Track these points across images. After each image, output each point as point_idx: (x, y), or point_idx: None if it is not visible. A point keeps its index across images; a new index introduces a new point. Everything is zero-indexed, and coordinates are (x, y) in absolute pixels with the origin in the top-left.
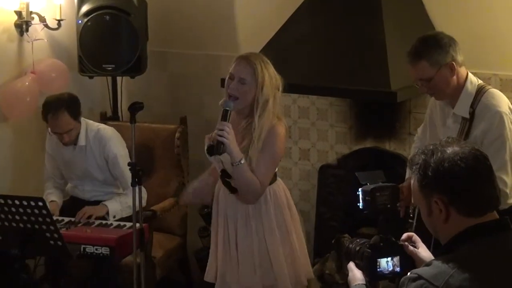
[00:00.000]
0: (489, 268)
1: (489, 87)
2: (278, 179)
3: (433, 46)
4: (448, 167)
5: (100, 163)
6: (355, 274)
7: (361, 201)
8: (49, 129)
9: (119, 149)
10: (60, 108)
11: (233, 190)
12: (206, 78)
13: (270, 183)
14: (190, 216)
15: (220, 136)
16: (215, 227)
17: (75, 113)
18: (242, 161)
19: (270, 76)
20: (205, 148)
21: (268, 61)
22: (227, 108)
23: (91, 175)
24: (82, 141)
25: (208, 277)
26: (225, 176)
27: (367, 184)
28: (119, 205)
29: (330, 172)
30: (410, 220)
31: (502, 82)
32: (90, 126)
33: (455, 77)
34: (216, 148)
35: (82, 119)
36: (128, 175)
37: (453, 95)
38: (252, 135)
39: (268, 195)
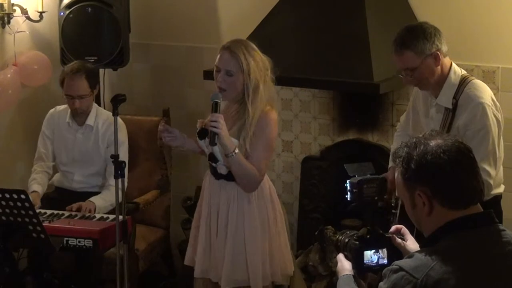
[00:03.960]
0: (471, 261)
1: (473, 77)
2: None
3: (418, 36)
4: (431, 159)
5: (102, 149)
6: (344, 264)
7: (348, 193)
8: (52, 109)
9: (124, 138)
10: (79, 71)
11: (218, 176)
12: (189, 70)
13: None
14: (173, 208)
15: (214, 127)
16: (198, 214)
17: (92, 82)
18: (236, 151)
19: (256, 61)
20: (197, 131)
21: (253, 46)
22: (216, 100)
23: (87, 160)
24: (91, 121)
25: (187, 260)
26: (212, 160)
27: (355, 176)
28: (104, 202)
29: (313, 164)
30: (394, 211)
31: (484, 73)
32: (100, 110)
33: (439, 67)
34: (211, 139)
35: (94, 104)
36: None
37: (437, 85)
38: (243, 120)
39: None
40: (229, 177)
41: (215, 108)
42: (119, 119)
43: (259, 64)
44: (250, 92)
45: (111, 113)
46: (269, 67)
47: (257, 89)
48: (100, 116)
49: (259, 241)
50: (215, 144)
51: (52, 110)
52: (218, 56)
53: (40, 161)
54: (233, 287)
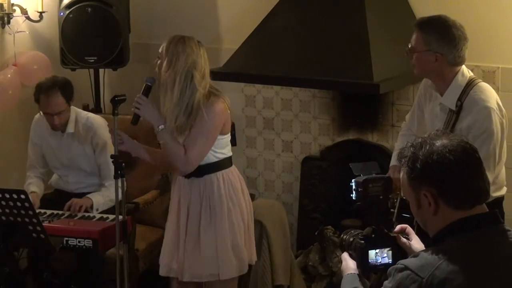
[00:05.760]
0: (476, 261)
1: (479, 80)
2: (233, 166)
3: (436, 30)
4: (436, 159)
5: (88, 152)
6: (348, 263)
7: (353, 192)
8: (38, 114)
9: (108, 138)
10: (53, 88)
11: (188, 175)
12: None
13: (223, 168)
14: None
15: (136, 108)
16: (169, 216)
17: (68, 96)
18: (161, 127)
19: (178, 53)
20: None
21: (191, 42)
22: (147, 83)
23: (77, 164)
24: (71, 128)
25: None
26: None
27: (360, 175)
28: (102, 199)
29: (313, 164)
30: (392, 210)
31: (484, 73)
32: (79, 114)
33: (440, 69)
34: (132, 119)
35: (72, 107)
36: (112, 165)
37: (441, 83)
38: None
39: (222, 182)
40: (199, 172)
41: (144, 90)
42: (100, 118)
43: (183, 55)
44: (161, 74)
45: (90, 114)
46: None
47: (168, 77)
48: (79, 120)
49: (229, 233)
50: (136, 123)
51: (37, 116)
52: None
53: (32, 168)
54: (206, 281)
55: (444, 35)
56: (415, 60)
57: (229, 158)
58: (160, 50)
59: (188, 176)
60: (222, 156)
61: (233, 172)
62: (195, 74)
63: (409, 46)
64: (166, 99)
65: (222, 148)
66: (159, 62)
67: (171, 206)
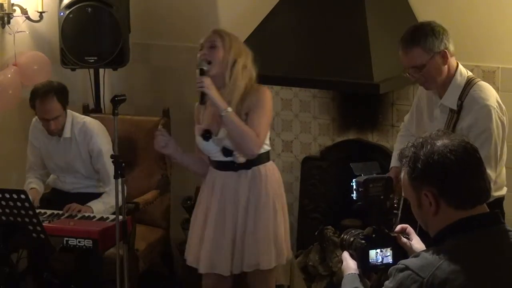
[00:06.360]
0: (477, 261)
1: (478, 79)
2: (270, 161)
3: (427, 33)
4: (437, 159)
5: (84, 156)
6: (349, 263)
7: (354, 192)
8: (36, 116)
9: (104, 144)
10: (49, 93)
11: (236, 168)
12: (189, 70)
13: (268, 160)
14: (173, 208)
15: (201, 87)
16: (203, 213)
17: (63, 100)
18: (229, 109)
19: (238, 42)
20: (200, 135)
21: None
22: (202, 67)
23: (73, 168)
24: (67, 133)
25: (190, 260)
26: (226, 154)
27: (361, 175)
28: (103, 206)
29: (313, 164)
30: (395, 211)
31: (484, 73)
32: (76, 118)
33: (446, 66)
34: (201, 99)
35: (68, 111)
36: (110, 170)
37: (442, 85)
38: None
39: (268, 173)
40: (248, 165)
41: (200, 73)
42: (96, 122)
43: (241, 46)
44: (229, 66)
45: (85, 118)
46: (251, 57)
47: (237, 64)
48: (75, 125)
49: (271, 223)
50: (204, 103)
51: (34, 119)
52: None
53: (32, 170)
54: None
55: (434, 34)
56: (426, 74)
57: (269, 151)
58: (211, 40)
59: (236, 169)
60: (267, 148)
61: (273, 165)
62: (249, 63)
63: (411, 68)
64: (233, 82)
65: (267, 140)
66: (217, 52)
67: (207, 204)
